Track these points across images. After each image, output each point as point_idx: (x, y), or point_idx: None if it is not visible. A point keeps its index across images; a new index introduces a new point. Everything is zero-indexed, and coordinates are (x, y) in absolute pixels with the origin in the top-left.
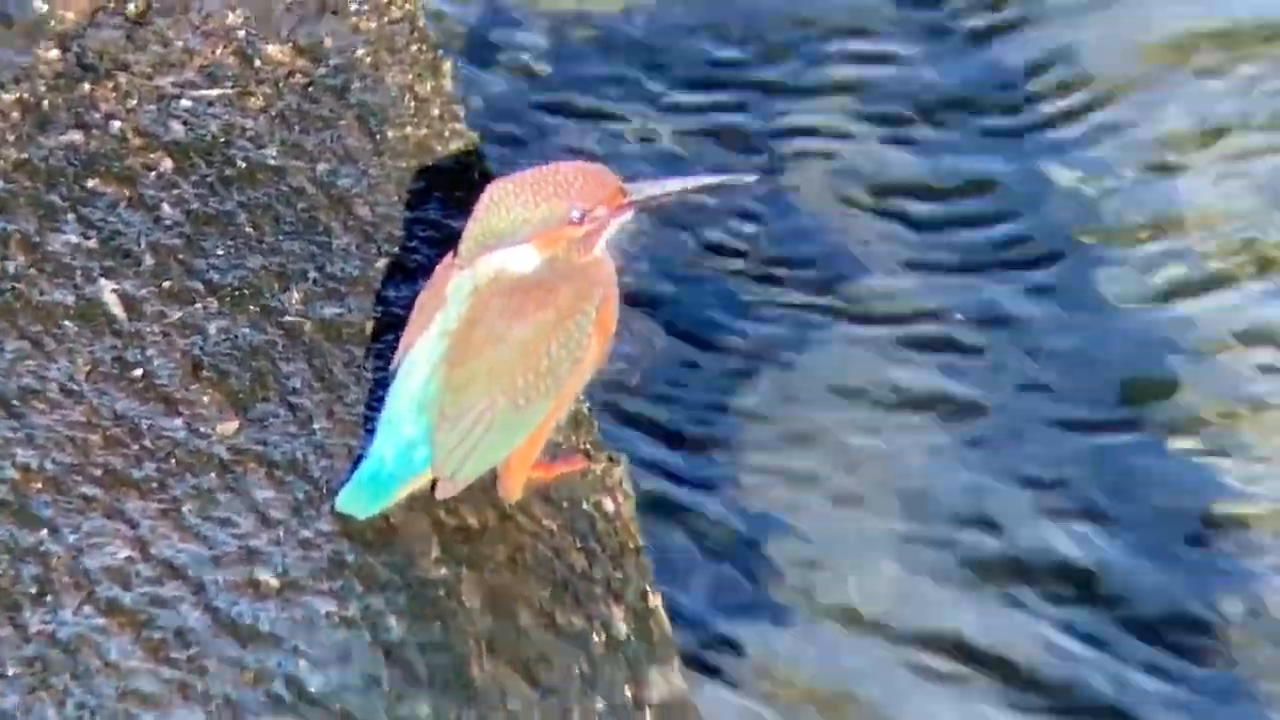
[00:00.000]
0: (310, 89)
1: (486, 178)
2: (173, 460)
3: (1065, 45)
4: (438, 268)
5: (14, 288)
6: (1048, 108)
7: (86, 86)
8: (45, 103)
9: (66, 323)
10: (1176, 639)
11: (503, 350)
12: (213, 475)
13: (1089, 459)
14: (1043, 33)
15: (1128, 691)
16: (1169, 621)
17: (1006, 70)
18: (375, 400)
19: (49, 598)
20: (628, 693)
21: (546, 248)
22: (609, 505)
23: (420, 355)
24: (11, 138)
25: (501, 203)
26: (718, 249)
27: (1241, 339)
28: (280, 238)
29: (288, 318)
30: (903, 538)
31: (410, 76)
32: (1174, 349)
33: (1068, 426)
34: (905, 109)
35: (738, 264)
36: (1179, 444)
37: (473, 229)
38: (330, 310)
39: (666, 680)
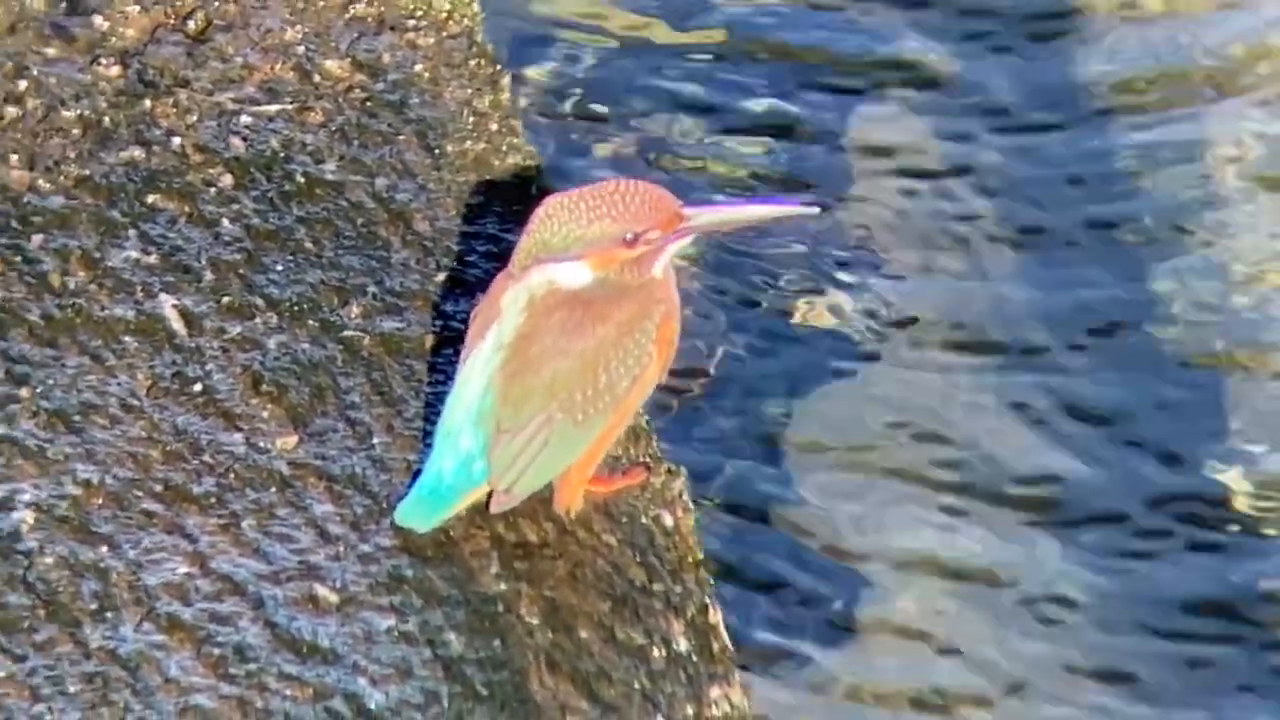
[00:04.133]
0: (369, 104)
1: (545, 193)
2: (232, 475)
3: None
4: (495, 280)
5: (75, 303)
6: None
7: (147, 103)
8: (106, 119)
9: (127, 338)
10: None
11: (562, 365)
12: (272, 490)
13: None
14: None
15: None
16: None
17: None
18: (434, 414)
19: (109, 614)
20: (688, 709)
21: (599, 267)
22: (668, 519)
23: (476, 368)
24: (73, 154)
25: (555, 217)
26: (776, 261)
27: None
28: (339, 252)
29: (347, 332)
30: (970, 551)
31: (469, 91)
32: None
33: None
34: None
35: (795, 276)
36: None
37: (525, 241)
38: (389, 325)
39: (727, 696)
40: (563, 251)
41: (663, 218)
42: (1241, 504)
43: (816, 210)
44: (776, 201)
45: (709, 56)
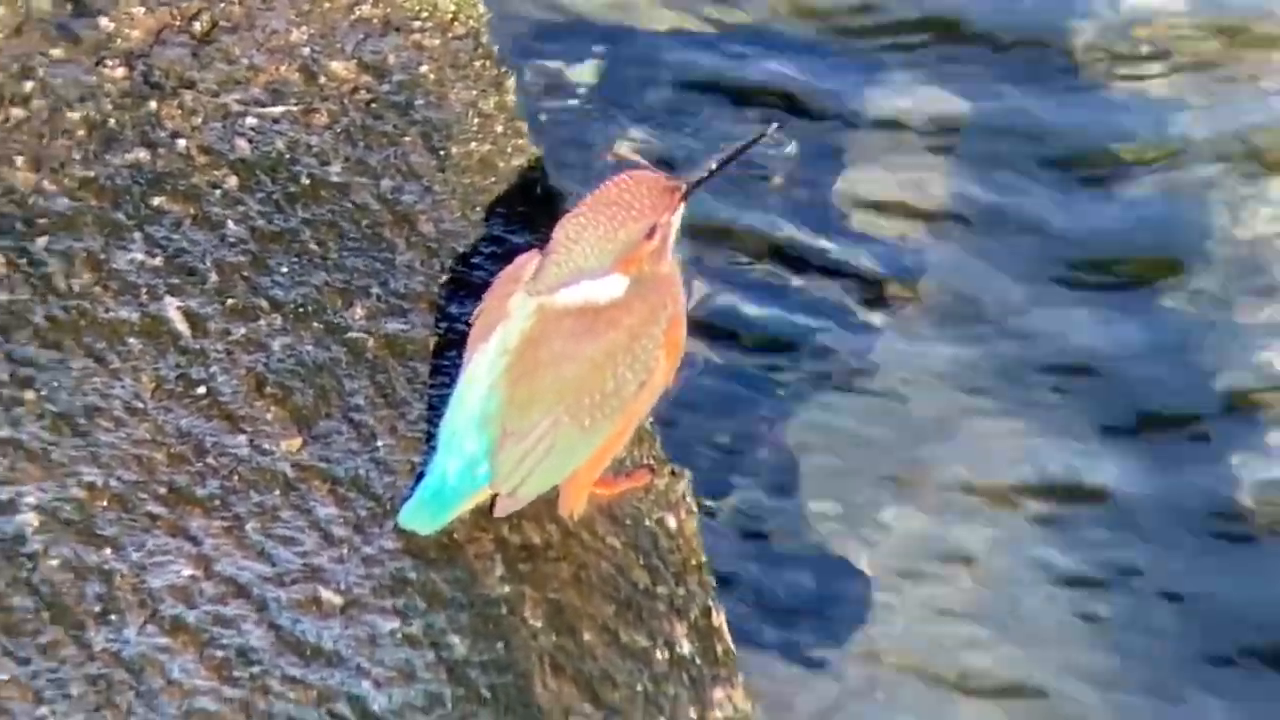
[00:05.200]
0: (374, 106)
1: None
2: (236, 478)
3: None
4: (496, 282)
5: (80, 306)
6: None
7: (152, 105)
8: (111, 121)
9: (131, 340)
10: None
11: (569, 369)
12: (276, 493)
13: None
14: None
15: None
16: None
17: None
18: (437, 417)
19: (113, 616)
20: (691, 712)
21: (629, 269)
22: (672, 522)
23: (480, 370)
24: (78, 156)
25: (581, 239)
26: (787, 264)
27: None
28: (344, 254)
29: (351, 334)
30: (975, 550)
31: (474, 93)
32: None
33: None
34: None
35: (805, 279)
36: None
37: (553, 269)
38: (393, 326)
39: (730, 699)
40: (597, 268)
41: (666, 198)
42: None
43: (774, 128)
44: (739, 140)
45: (715, 53)
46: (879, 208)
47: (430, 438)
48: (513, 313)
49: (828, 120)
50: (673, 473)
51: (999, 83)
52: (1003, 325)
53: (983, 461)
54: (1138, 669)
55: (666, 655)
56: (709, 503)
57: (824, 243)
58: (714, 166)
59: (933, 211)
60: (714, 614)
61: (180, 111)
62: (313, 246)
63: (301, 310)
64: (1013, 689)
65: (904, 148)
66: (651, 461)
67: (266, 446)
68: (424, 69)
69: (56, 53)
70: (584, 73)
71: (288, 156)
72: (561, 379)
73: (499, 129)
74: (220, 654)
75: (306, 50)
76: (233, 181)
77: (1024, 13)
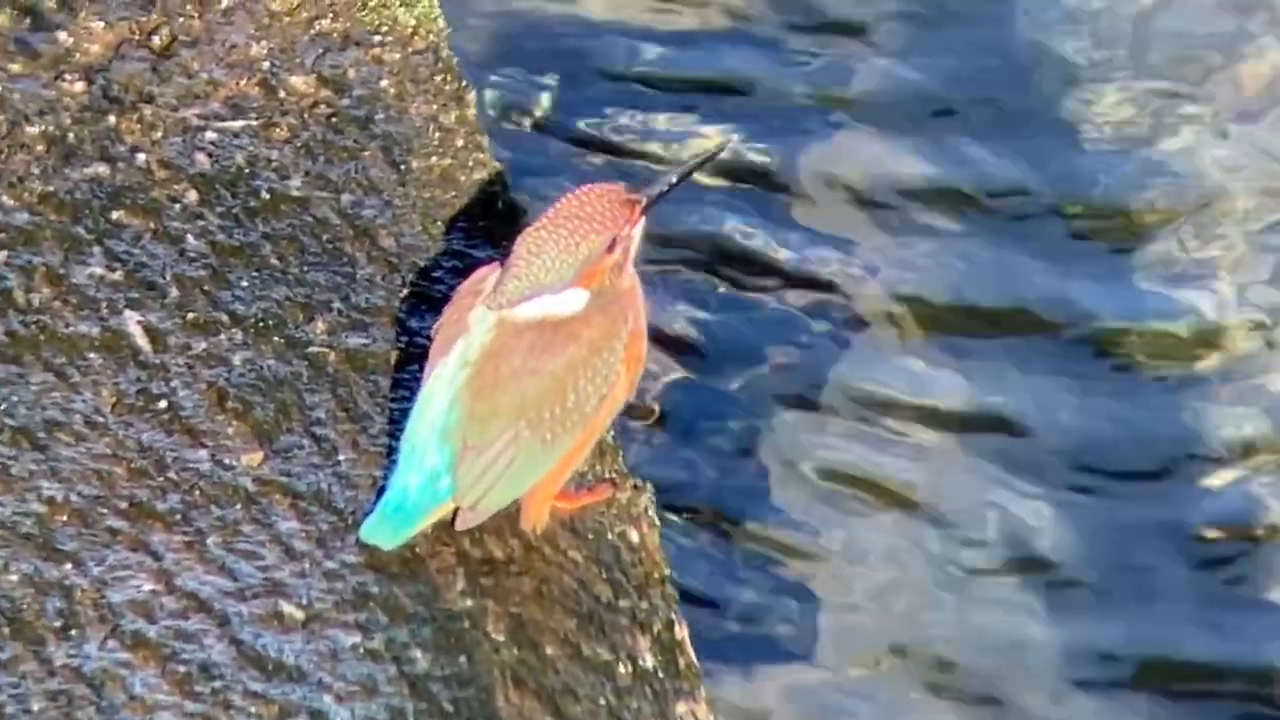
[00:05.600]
0: (334, 120)
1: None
2: (197, 492)
3: None
4: (455, 295)
5: (39, 320)
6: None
7: (112, 119)
8: (70, 135)
9: (91, 355)
10: None
11: (529, 383)
12: (238, 507)
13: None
14: None
15: None
16: None
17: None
18: (399, 431)
19: (74, 631)
20: None
21: (589, 283)
22: (634, 535)
23: (440, 384)
24: (37, 170)
25: (541, 252)
26: (744, 273)
27: None
28: (305, 269)
29: (312, 349)
30: (944, 564)
31: (434, 107)
32: None
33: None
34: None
35: (764, 285)
36: None
37: (513, 283)
38: (355, 341)
39: (693, 712)
40: (557, 282)
41: (626, 211)
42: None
43: (729, 139)
44: (695, 155)
45: (677, 61)
46: (843, 212)
47: (392, 452)
48: (472, 326)
49: (788, 118)
50: (635, 486)
51: (969, 64)
52: (975, 330)
53: (952, 468)
54: (1131, 668)
55: (629, 669)
56: (671, 516)
57: (786, 251)
58: (674, 180)
59: (899, 207)
60: (677, 627)
61: (140, 126)
62: (273, 261)
63: (262, 325)
64: (983, 698)
65: (869, 139)
66: (614, 475)
67: (228, 461)
68: (384, 83)
69: (15, 67)
70: (545, 87)
71: (248, 171)
72: (522, 393)
73: (459, 143)
74: (182, 669)
75: (266, 65)
76: (192, 196)
77: None
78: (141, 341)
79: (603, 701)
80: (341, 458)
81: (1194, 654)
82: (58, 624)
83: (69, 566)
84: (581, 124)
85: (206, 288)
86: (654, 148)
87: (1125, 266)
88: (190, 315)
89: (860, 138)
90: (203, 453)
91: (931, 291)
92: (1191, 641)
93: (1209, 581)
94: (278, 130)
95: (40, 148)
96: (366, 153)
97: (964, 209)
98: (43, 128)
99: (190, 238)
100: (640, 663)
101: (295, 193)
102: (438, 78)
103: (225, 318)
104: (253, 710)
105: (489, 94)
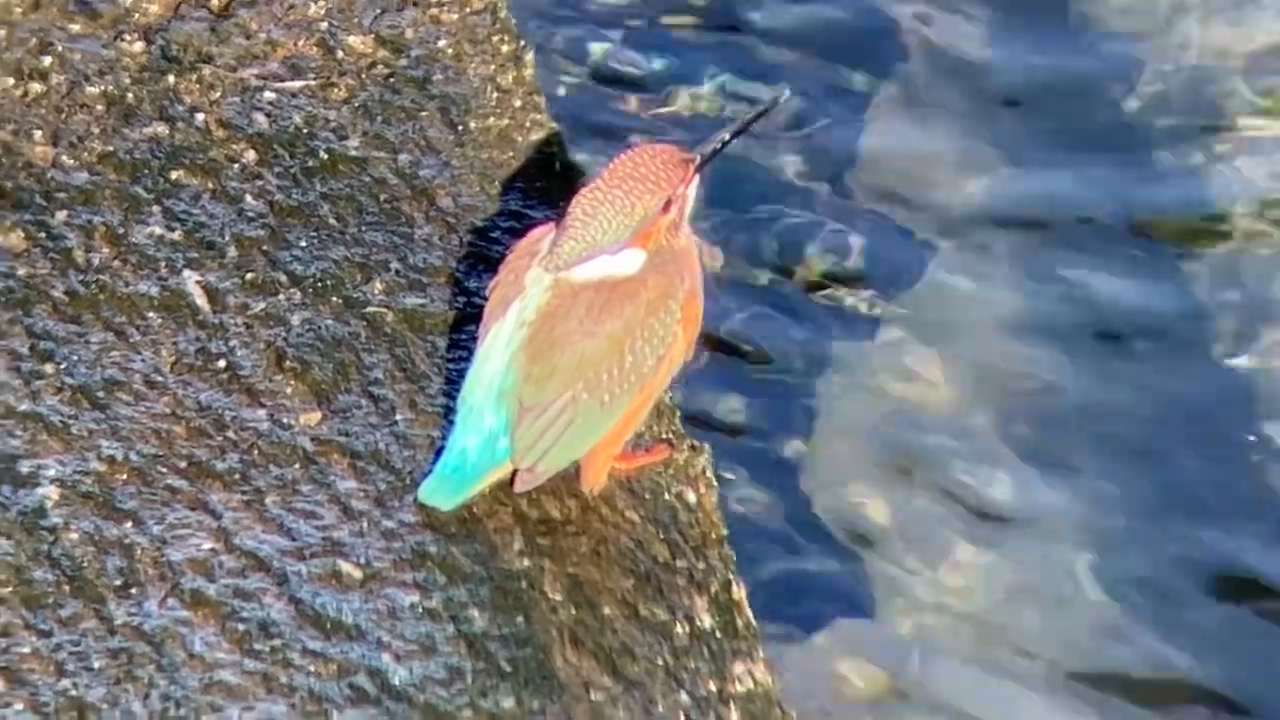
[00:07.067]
0: (392, 80)
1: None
2: (256, 452)
3: None
4: (510, 255)
5: (99, 280)
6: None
7: (171, 79)
8: (130, 95)
9: (151, 314)
10: None
11: (587, 345)
12: (296, 467)
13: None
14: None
15: None
16: None
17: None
18: (456, 391)
19: (134, 590)
20: (712, 685)
21: (646, 243)
22: (691, 496)
23: (496, 344)
24: (97, 130)
25: (597, 214)
26: (801, 236)
27: None
28: (363, 229)
29: (370, 309)
30: (995, 531)
31: (492, 68)
32: None
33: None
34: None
35: (823, 252)
36: None
37: (568, 244)
38: (412, 301)
39: (750, 672)
40: (613, 243)
41: (681, 170)
42: None
43: (785, 94)
44: (749, 110)
45: (734, 26)
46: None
47: (449, 412)
48: (529, 287)
49: (844, 87)
50: (692, 447)
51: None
52: (1029, 303)
53: (1008, 442)
54: (1180, 668)
55: (687, 629)
56: (729, 477)
57: (848, 238)
58: (726, 137)
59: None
60: (735, 588)
61: (198, 86)
62: (331, 221)
63: (320, 285)
64: (1032, 655)
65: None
66: (671, 436)
67: (286, 420)
68: (442, 43)
69: (75, 27)
70: (602, 46)
71: (306, 131)
72: (579, 355)
73: (517, 103)
74: (241, 627)
75: (324, 25)
76: (251, 156)
77: None
78: (200, 301)
79: (660, 661)
80: (399, 417)
81: None
82: (118, 582)
83: (129, 525)
84: (637, 84)
85: (265, 247)
86: (709, 106)
87: (1190, 275)
88: (249, 275)
89: (906, 118)
90: (261, 412)
91: (986, 284)
92: None
93: None
94: (336, 90)
95: (100, 107)
96: (424, 113)
97: (1033, 227)
98: (102, 88)
99: (249, 198)
100: (698, 623)
101: (353, 153)
102: (495, 38)
103: (284, 277)
104: (311, 669)
105: (547, 54)
